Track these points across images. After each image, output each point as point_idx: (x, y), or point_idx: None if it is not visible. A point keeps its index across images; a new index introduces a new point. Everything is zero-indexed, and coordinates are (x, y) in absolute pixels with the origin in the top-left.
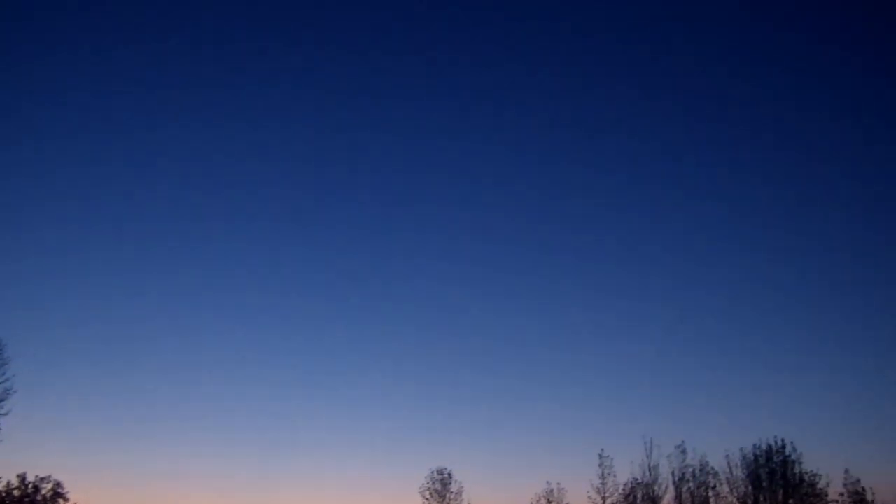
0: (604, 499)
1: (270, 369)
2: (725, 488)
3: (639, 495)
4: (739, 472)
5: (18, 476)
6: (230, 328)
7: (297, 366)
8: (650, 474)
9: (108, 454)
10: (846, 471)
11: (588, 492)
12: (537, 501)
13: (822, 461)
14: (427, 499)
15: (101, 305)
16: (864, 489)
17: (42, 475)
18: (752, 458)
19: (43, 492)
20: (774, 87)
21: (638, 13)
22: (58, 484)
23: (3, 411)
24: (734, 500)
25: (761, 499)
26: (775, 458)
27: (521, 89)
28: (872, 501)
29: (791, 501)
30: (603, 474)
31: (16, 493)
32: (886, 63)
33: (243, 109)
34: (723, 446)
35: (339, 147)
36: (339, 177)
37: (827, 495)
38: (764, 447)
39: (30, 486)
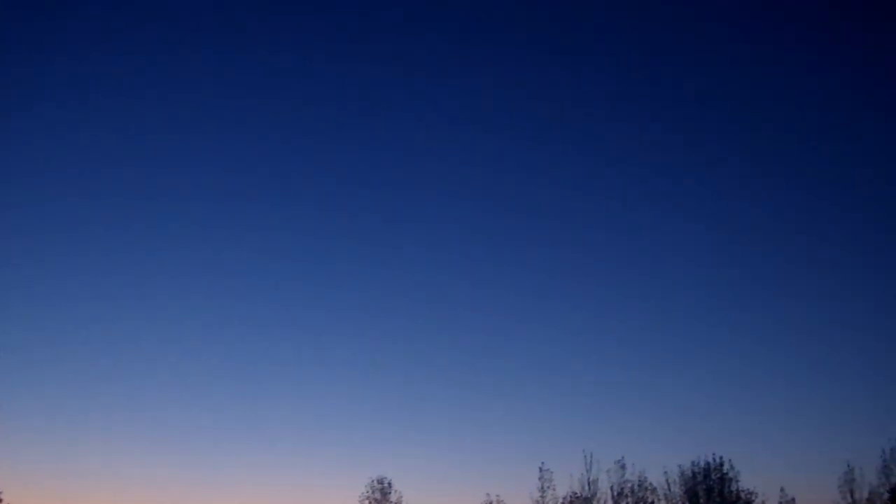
0: None
1: (206, 375)
2: None
3: None
4: (677, 489)
5: None
6: (165, 333)
7: (233, 372)
8: (589, 489)
9: (43, 455)
10: (781, 489)
11: None
12: None
13: (759, 479)
14: None
15: (36, 305)
16: None
17: None
18: (690, 474)
19: None
20: (773, 87)
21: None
22: None
23: None
24: None
25: None
26: (713, 476)
27: (516, 87)
28: None
29: None
30: (542, 487)
31: None
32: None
33: (241, 115)
34: (661, 462)
35: (335, 149)
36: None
37: None
38: (702, 464)
39: None
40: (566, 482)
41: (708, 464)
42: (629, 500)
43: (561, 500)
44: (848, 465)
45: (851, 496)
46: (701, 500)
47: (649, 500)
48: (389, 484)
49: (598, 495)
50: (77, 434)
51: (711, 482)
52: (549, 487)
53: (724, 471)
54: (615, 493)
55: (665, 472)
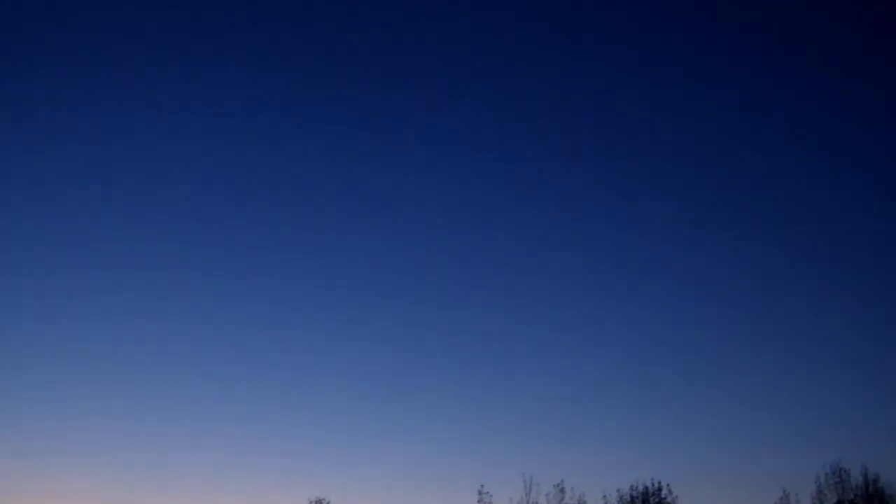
0: None
1: (149, 381)
2: None
3: None
4: None
5: None
6: (108, 329)
7: (171, 385)
8: None
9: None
10: None
11: None
12: None
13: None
14: None
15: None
16: None
17: None
18: (629, 498)
19: None
20: (773, 87)
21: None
22: None
23: None
24: None
25: None
26: (651, 500)
27: (516, 85)
28: None
29: None
30: None
31: None
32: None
33: (240, 117)
34: (600, 486)
35: (338, 147)
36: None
37: None
38: (640, 488)
39: None
40: None
41: (646, 488)
42: None
43: None
44: (783, 491)
45: None
46: None
47: None
48: None
49: None
50: (16, 437)
51: None
52: None
53: (663, 495)
54: None
55: (604, 496)
